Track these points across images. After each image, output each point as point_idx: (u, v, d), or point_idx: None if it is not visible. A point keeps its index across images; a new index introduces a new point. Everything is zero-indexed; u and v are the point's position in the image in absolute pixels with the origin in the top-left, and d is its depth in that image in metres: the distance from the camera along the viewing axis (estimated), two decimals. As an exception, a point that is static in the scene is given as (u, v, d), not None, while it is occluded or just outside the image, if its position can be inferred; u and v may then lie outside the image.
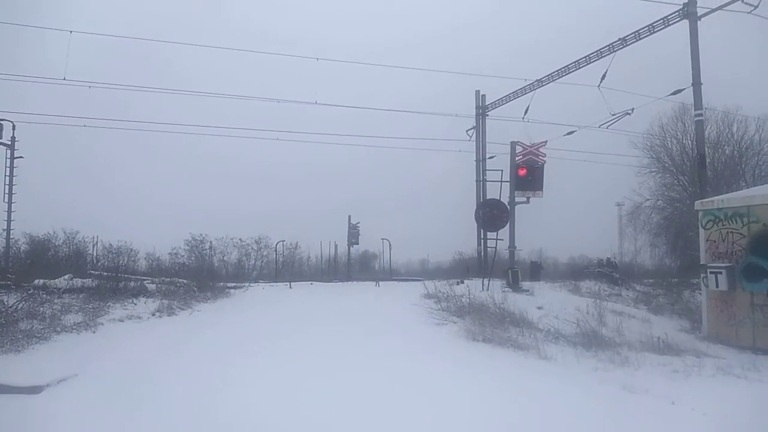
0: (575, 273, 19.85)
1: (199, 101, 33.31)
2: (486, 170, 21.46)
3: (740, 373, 6.82)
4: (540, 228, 23.34)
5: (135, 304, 10.77)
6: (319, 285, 17.26)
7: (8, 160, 19.67)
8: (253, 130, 38.28)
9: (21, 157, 19.97)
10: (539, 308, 10.63)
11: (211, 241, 22.80)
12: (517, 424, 4.94)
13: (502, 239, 14.57)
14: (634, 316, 10.91)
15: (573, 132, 19.08)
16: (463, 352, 7.64)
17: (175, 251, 21.57)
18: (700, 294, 10.36)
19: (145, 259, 19.98)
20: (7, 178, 19.60)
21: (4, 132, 19.31)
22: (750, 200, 9.36)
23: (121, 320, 9.56)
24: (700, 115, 14.87)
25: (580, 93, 19.20)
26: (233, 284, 15.37)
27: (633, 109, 16.76)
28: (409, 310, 10.78)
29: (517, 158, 13.95)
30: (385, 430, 4.84)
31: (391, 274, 23.17)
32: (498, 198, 14.57)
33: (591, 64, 17.76)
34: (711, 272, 9.43)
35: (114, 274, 12.95)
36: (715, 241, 9.73)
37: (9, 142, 19.65)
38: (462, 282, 14.06)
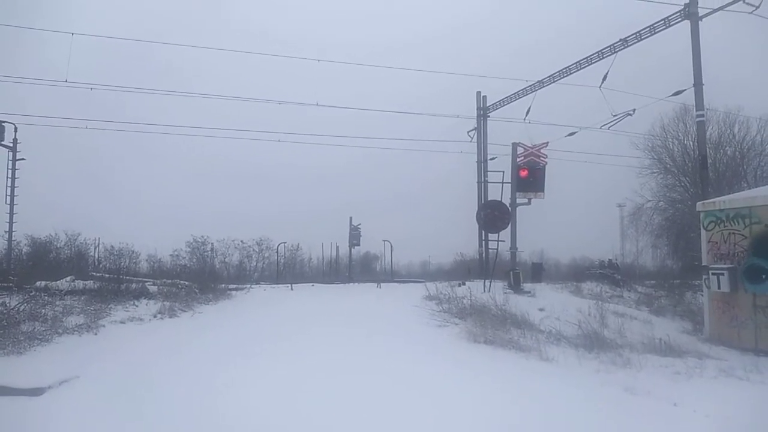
0: (577, 274, 19.84)
1: (200, 103, 33.39)
2: (487, 171, 21.48)
3: (742, 375, 6.81)
4: (541, 229, 23.36)
5: (136, 306, 10.78)
6: (321, 286, 17.25)
7: (10, 162, 19.72)
8: (254, 132, 38.27)
9: (23, 159, 20.02)
10: (541, 310, 10.61)
11: (212, 243, 22.89)
12: (519, 426, 4.93)
13: (504, 240, 14.57)
14: (635, 318, 10.89)
15: (574, 133, 19.09)
16: (464, 354, 7.63)
17: (176, 253, 21.68)
18: (702, 295, 10.33)
19: (147, 260, 20.10)
20: (9, 180, 19.66)
21: (5, 134, 19.36)
22: (752, 201, 9.34)
23: (122, 322, 9.56)
24: (702, 115, 14.86)
25: (582, 94, 19.26)
26: (234, 286, 15.36)
27: (634, 110, 16.77)
28: (411, 311, 10.77)
29: (518, 159, 13.93)
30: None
31: (392, 275, 23.16)
32: (499, 199, 14.57)
33: (592, 65, 17.79)
34: (713, 273, 9.42)
35: (115, 276, 12.96)
36: (716, 243, 9.71)
37: (11, 144, 19.69)
38: (463, 283, 14.05)
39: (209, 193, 45.34)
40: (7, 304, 8.87)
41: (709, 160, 18.61)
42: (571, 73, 18.60)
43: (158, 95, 21.47)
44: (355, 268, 25.38)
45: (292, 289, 16.01)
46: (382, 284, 17.12)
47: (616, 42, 16.75)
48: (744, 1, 13.81)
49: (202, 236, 22.51)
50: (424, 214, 47.25)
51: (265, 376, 6.34)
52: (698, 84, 14.44)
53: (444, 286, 12.81)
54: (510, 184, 14.05)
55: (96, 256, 19.52)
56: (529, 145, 14.17)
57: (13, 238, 18.95)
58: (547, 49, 48.78)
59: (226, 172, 53.26)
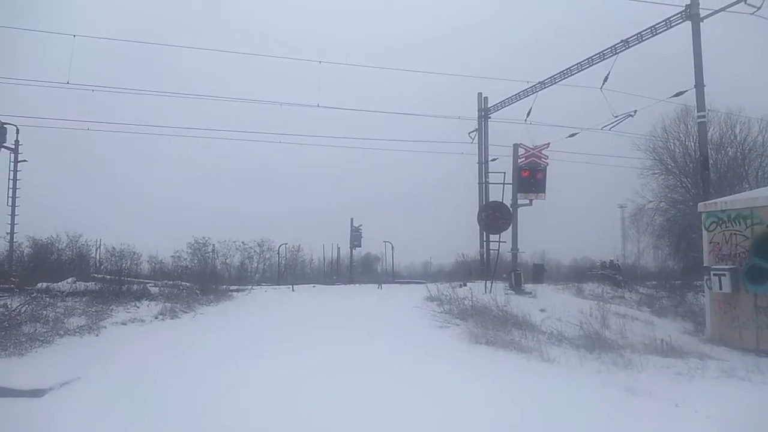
0: (578, 275, 19.81)
1: (201, 104, 33.48)
2: (488, 172, 21.48)
3: (744, 376, 6.80)
4: (542, 230, 23.35)
5: (138, 307, 10.80)
6: (322, 288, 17.27)
7: (12, 164, 19.75)
8: (255, 133, 38.27)
9: (25, 160, 20.03)
10: (542, 311, 10.60)
11: (213, 244, 22.93)
12: (520, 427, 4.93)
13: (505, 242, 14.56)
14: (637, 319, 10.88)
15: (575, 134, 19.08)
16: (465, 355, 7.63)
17: (177, 254, 21.68)
18: (704, 296, 10.32)
19: (148, 262, 20.11)
20: (11, 181, 19.68)
21: (7, 135, 19.39)
22: (753, 202, 9.33)
23: (123, 323, 9.56)
24: (703, 116, 14.85)
25: (583, 95, 19.25)
26: (236, 287, 15.38)
27: (636, 111, 16.78)
28: (412, 312, 10.77)
29: (519, 160, 13.94)
30: (388, 433, 4.83)
31: (393, 276, 23.17)
32: (500, 200, 14.57)
33: (593, 66, 17.78)
34: (714, 274, 9.41)
35: (117, 278, 12.96)
36: (718, 243, 9.70)
37: (13, 146, 19.71)
38: (464, 284, 14.05)
39: (211, 195, 45.35)
40: (9, 306, 8.88)
41: (711, 161, 18.56)
42: (572, 74, 18.60)
43: (159, 96, 21.50)
44: (356, 269, 25.44)
45: (293, 290, 16.02)
46: (383, 285, 17.14)
47: (618, 43, 16.75)
48: (745, 2, 13.79)
49: (204, 237, 22.60)
50: (425, 215, 47.27)
51: (267, 378, 6.34)
52: (699, 85, 14.42)
53: (445, 287, 12.81)
54: (511, 185, 14.06)
55: (97, 257, 19.58)
56: (531, 146, 14.18)
57: (14, 240, 18.98)
58: (547, 49, 48.76)
59: (227, 173, 53.38)
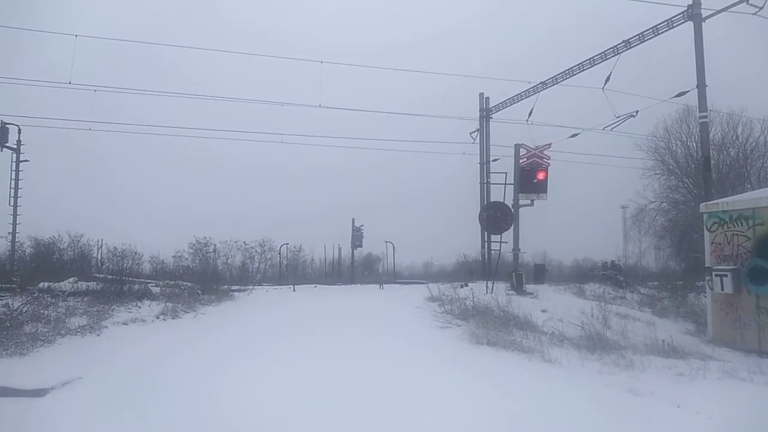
0: (579, 276, 19.76)
1: (203, 104, 33.49)
2: (490, 173, 21.45)
3: (746, 377, 6.77)
4: (544, 230, 23.29)
5: (139, 307, 10.81)
6: (323, 288, 17.27)
7: (14, 164, 19.82)
8: (257, 133, 38.27)
9: (26, 160, 20.13)
10: (543, 311, 10.58)
11: (215, 244, 22.93)
12: (521, 427, 4.92)
13: (506, 242, 14.54)
14: (638, 319, 10.85)
15: (577, 134, 19.09)
16: (466, 355, 7.62)
17: (179, 254, 21.67)
18: (705, 297, 10.29)
19: (150, 262, 20.15)
20: (13, 181, 19.74)
21: (9, 135, 19.45)
22: (755, 202, 9.31)
23: (125, 323, 9.57)
24: (705, 117, 14.84)
25: (584, 95, 19.23)
26: (237, 287, 15.39)
27: (637, 112, 16.78)
28: (413, 312, 10.77)
29: (521, 161, 13.92)
30: (389, 433, 4.83)
31: (394, 276, 23.15)
32: (502, 201, 14.55)
33: (595, 66, 17.78)
34: (716, 275, 9.38)
35: (118, 277, 12.95)
36: (720, 244, 9.68)
37: (14, 146, 19.79)
38: (466, 285, 14.03)
39: (212, 195, 45.45)
40: (11, 306, 8.89)
41: (713, 162, 18.53)
42: (573, 75, 18.60)
43: (160, 96, 21.54)
44: (357, 270, 25.40)
45: (294, 290, 16.02)
46: (384, 285, 17.13)
47: (619, 43, 16.74)
48: (748, 2, 13.78)
49: (205, 237, 22.59)
50: (426, 215, 47.21)
51: (267, 377, 6.35)
52: (701, 85, 14.40)
53: (446, 288, 12.80)
54: (512, 186, 14.04)
55: (99, 257, 19.61)
56: (532, 147, 14.14)
57: (16, 240, 19.04)
58: (548, 50, 48.79)
59: (229, 173, 53.34)
